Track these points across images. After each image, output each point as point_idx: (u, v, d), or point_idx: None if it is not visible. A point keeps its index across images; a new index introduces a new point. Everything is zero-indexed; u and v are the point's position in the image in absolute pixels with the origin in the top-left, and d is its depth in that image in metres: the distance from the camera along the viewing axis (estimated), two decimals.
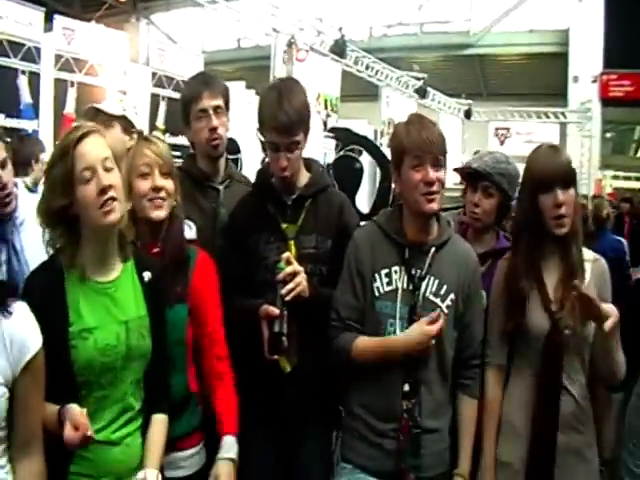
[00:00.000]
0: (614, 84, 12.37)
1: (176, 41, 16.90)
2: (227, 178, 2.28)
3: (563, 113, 12.37)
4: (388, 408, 1.86)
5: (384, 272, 1.88)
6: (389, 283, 1.88)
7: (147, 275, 1.63)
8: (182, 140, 2.83)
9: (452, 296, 1.87)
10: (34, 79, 4.59)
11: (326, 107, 7.75)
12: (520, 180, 2.05)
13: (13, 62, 4.50)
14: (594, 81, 12.78)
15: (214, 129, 2.16)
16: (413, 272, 1.87)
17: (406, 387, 1.84)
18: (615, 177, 13.84)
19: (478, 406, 1.93)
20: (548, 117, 12.33)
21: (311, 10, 11.00)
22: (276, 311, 1.84)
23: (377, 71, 9.05)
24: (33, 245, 1.75)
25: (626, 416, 1.97)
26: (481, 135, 13.08)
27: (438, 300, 1.87)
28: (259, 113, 2.01)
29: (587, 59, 12.91)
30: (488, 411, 1.91)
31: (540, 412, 1.87)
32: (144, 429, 1.62)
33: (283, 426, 2.04)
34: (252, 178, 2.27)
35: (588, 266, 1.89)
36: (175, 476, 1.77)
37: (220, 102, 2.19)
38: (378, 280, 1.89)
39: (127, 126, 2.27)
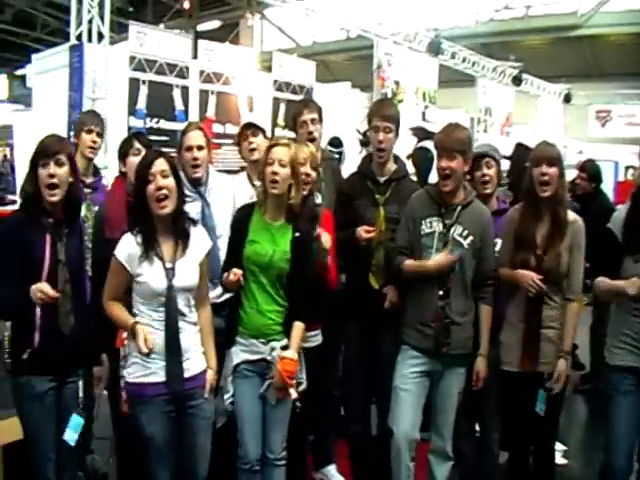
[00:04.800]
0: None
1: (289, 35, 18.09)
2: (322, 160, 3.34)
3: None
4: (429, 307, 2.79)
5: (428, 220, 2.82)
6: (430, 227, 2.81)
7: (297, 234, 2.69)
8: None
9: (471, 237, 2.80)
10: (184, 91, 5.79)
11: (424, 99, 8.49)
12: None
13: (169, 79, 5.71)
14: None
15: (311, 132, 3.35)
16: (446, 221, 2.80)
17: (440, 292, 2.77)
18: None
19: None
20: None
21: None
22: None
23: (473, 63, 9.66)
24: (216, 203, 3.04)
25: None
26: (582, 118, 13.09)
27: (461, 239, 2.79)
28: (370, 110, 3.19)
29: None
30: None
31: (529, 316, 2.82)
32: (287, 320, 2.63)
33: (369, 320, 3.07)
34: (352, 169, 3.37)
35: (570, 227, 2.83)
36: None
37: (315, 115, 3.36)
38: (423, 225, 2.82)
39: (264, 132, 3.43)
